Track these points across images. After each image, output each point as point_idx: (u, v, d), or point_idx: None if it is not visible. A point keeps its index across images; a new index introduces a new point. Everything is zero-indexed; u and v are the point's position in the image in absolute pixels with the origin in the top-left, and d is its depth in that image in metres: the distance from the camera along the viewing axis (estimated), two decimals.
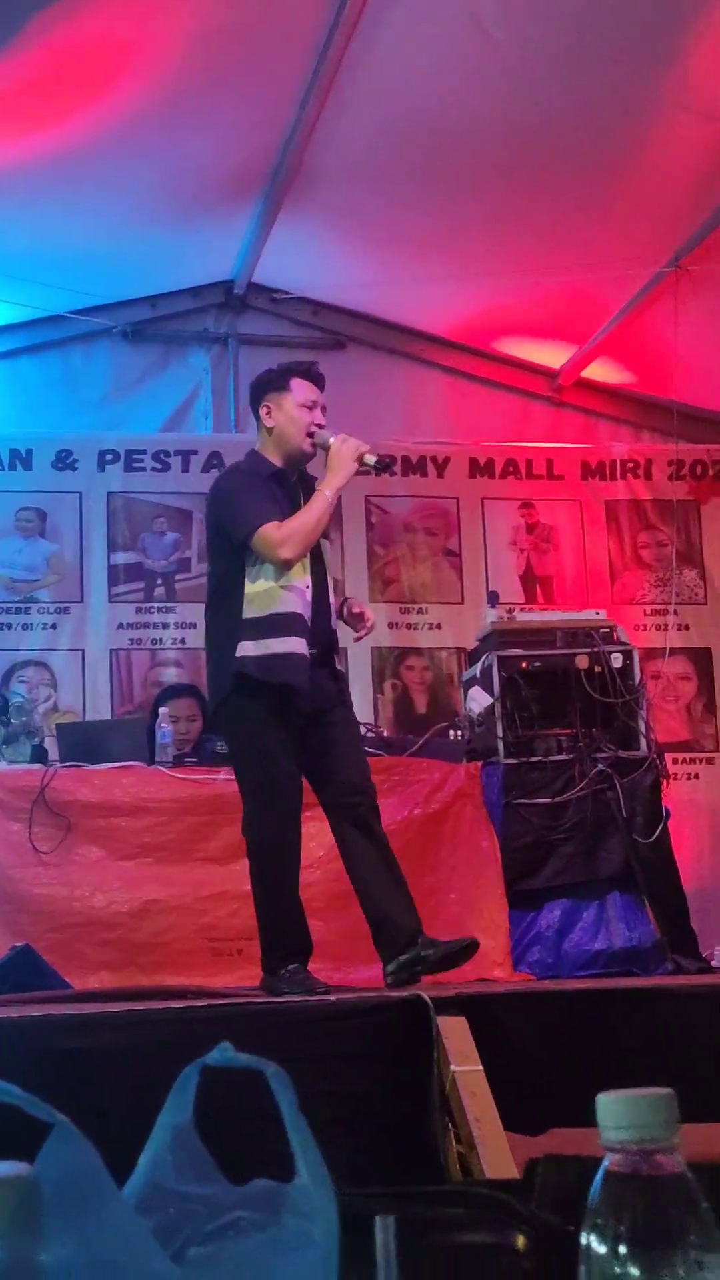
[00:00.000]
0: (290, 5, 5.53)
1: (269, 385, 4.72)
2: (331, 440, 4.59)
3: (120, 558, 7.55)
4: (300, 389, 4.66)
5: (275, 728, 4.50)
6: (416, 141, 6.33)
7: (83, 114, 5.93)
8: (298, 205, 6.87)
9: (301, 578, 4.55)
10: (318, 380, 4.71)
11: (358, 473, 4.64)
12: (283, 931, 4.48)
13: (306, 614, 4.52)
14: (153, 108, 5.97)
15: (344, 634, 4.92)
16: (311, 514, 4.52)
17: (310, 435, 4.62)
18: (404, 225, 6.99)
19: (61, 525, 7.51)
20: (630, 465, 8.15)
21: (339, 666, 4.79)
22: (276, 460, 4.67)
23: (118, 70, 5.72)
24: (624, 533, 8.08)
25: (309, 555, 4.58)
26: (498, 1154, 2.73)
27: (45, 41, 5.39)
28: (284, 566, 4.46)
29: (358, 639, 4.91)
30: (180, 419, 8.00)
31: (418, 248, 7.16)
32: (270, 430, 4.68)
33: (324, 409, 4.68)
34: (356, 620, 4.83)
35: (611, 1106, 0.98)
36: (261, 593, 4.51)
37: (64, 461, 7.55)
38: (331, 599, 4.74)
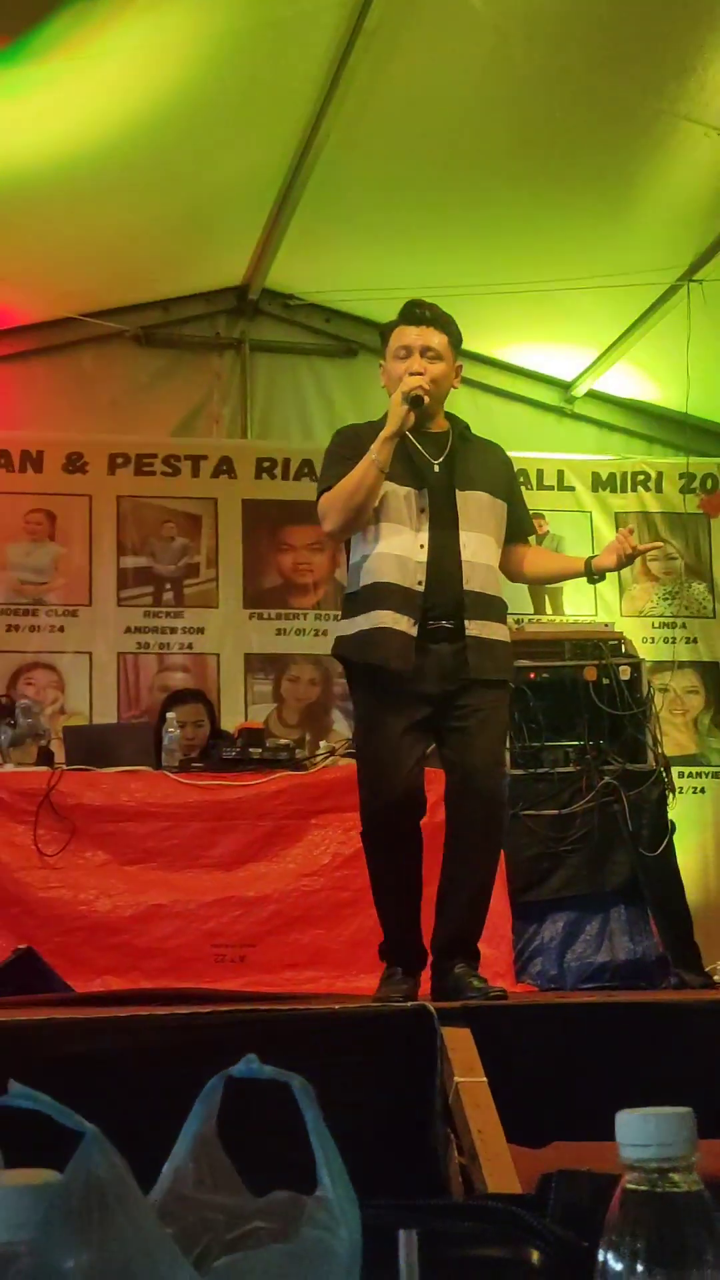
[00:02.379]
0: (308, 13, 5.55)
1: (382, 345, 4.27)
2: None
3: (129, 561, 7.55)
4: (395, 337, 4.17)
5: (378, 710, 4.05)
6: (430, 152, 6.35)
7: (100, 118, 5.94)
8: (312, 212, 6.88)
9: (409, 539, 4.01)
10: (416, 319, 4.16)
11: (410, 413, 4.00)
12: (388, 928, 4.15)
13: (410, 583, 3.97)
14: (170, 112, 5.99)
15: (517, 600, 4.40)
16: (350, 479, 3.99)
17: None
18: (417, 234, 7.00)
19: (71, 528, 7.51)
20: (641, 478, 8.15)
21: (497, 637, 4.08)
22: None
23: (135, 74, 5.73)
24: None
25: (427, 513, 4.03)
26: (500, 1166, 2.72)
27: (64, 45, 5.41)
28: (329, 540, 4.11)
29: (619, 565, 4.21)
30: (191, 424, 7.99)
31: (430, 257, 7.16)
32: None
33: (430, 351, 4.10)
34: (616, 557, 4.16)
35: (631, 1124, 0.99)
36: (357, 565, 4.08)
37: (74, 464, 7.54)
38: (476, 560, 4.04)
